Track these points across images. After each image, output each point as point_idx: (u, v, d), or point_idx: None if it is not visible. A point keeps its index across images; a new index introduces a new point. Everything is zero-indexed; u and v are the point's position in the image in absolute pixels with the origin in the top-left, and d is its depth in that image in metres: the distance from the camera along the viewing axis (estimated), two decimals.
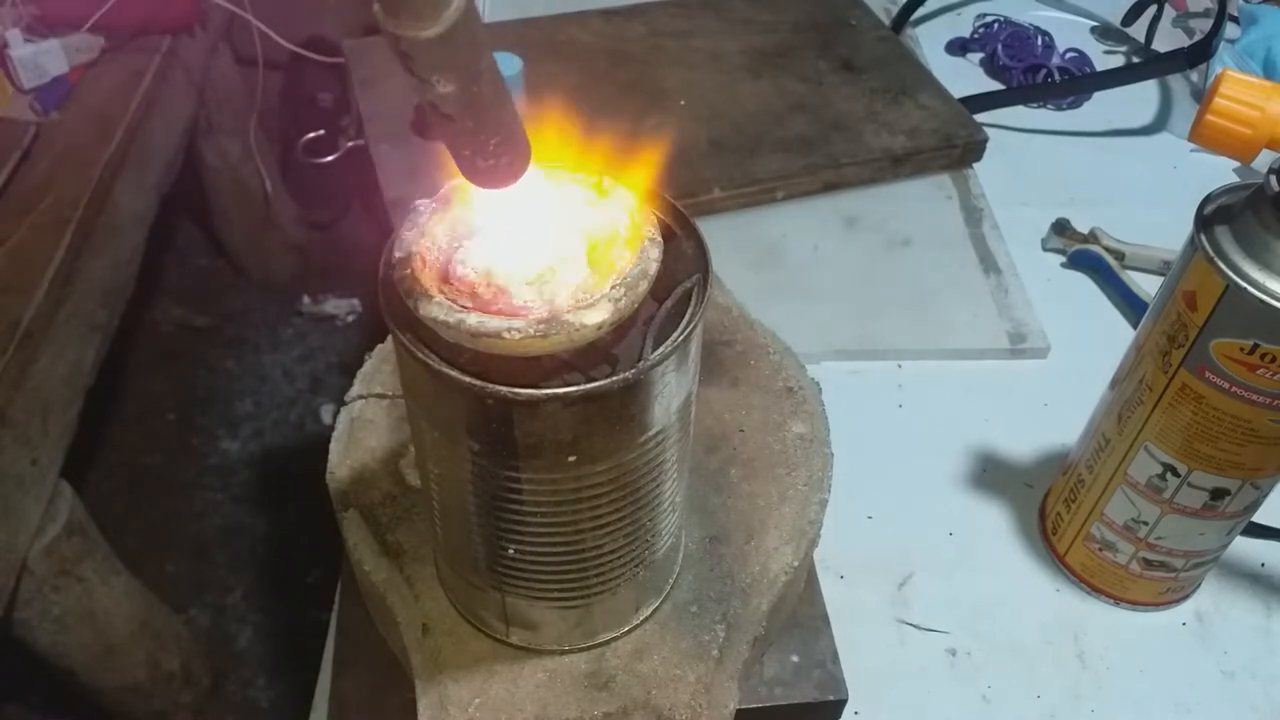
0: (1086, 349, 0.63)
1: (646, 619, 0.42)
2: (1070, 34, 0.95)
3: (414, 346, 0.30)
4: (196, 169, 1.57)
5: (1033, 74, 0.90)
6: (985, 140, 0.79)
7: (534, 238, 0.32)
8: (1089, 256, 0.72)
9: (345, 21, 1.44)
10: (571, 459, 0.32)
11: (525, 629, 0.40)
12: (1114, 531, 0.51)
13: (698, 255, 0.34)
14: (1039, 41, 0.93)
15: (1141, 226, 0.72)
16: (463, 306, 0.29)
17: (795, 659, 0.44)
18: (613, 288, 0.30)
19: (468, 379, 0.30)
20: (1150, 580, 0.52)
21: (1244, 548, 0.55)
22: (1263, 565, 0.56)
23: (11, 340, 0.85)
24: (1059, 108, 0.88)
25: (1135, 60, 0.95)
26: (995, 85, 0.90)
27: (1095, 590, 0.54)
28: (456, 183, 0.32)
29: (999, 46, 0.92)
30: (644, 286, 0.30)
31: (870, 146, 0.77)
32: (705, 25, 0.91)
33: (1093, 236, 0.73)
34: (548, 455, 0.32)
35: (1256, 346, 0.40)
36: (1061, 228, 0.74)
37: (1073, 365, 0.66)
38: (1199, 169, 0.81)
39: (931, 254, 0.73)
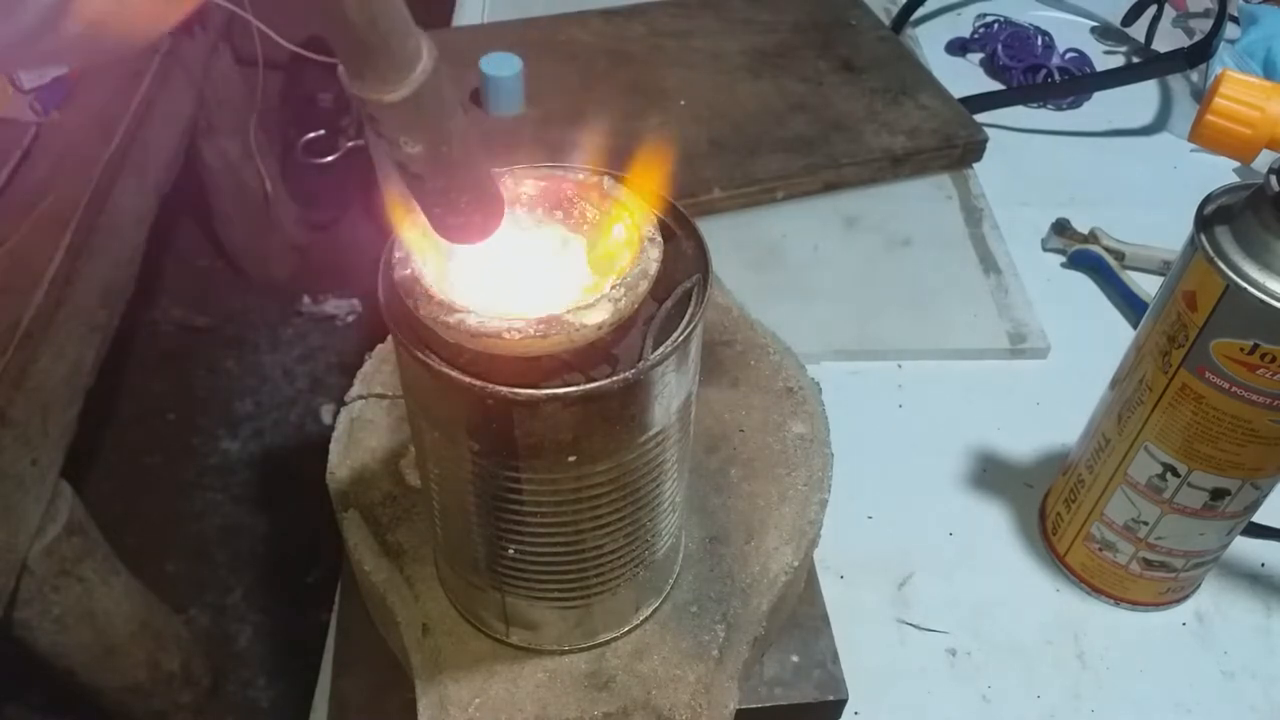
0: (1086, 349, 0.63)
1: (646, 619, 0.42)
2: (1070, 34, 0.95)
3: (414, 346, 0.30)
4: (196, 169, 1.57)
5: (1033, 74, 0.90)
6: (985, 140, 0.79)
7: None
8: (1089, 256, 0.72)
9: None
10: (571, 459, 0.32)
11: (525, 629, 0.40)
12: (1114, 531, 0.51)
13: (698, 255, 0.34)
14: (1039, 41, 0.93)
15: (1141, 226, 0.72)
16: (463, 307, 0.29)
17: (795, 659, 0.44)
18: (613, 288, 0.30)
19: (468, 379, 0.30)
20: (1150, 580, 0.52)
21: (1244, 548, 0.55)
22: (1263, 565, 0.56)
23: (11, 340, 0.85)
24: (1059, 108, 0.88)
25: (1135, 60, 0.95)
26: (995, 85, 0.90)
27: (1095, 590, 0.54)
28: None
29: (999, 46, 0.92)
30: (644, 286, 0.30)
31: (870, 146, 0.77)
32: (705, 25, 0.91)
33: (1093, 236, 0.73)
34: (548, 455, 0.32)
35: (1256, 346, 0.40)
36: (1061, 228, 0.74)
37: (1073, 365, 0.66)
38: (1199, 169, 0.81)
39: (931, 254, 0.73)
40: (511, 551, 0.36)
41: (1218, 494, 0.46)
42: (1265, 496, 0.48)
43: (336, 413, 0.49)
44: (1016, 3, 0.98)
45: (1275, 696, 0.51)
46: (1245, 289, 0.40)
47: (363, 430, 0.48)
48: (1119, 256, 0.71)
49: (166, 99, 1.24)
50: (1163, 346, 0.45)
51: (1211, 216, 0.42)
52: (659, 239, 0.32)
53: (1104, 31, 0.98)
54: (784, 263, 0.72)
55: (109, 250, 1.06)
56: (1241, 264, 0.40)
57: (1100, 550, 0.52)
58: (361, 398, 0.49)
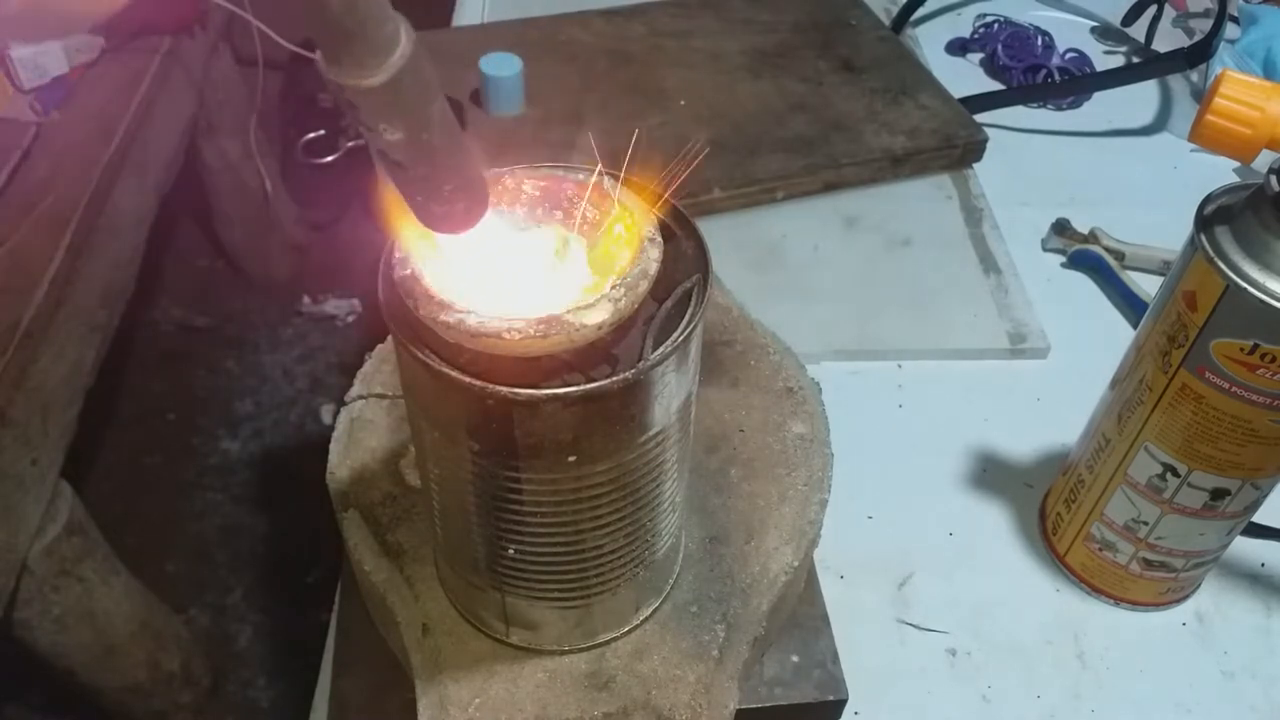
0: (1086, 349, 0.63)
1: (646, 619, 0.42)
2: (1070, 34, 0.95)
3: (414, 347, 0.30)
4: (196, 169, 1.57)
5: (1033, 74, 0.90)
6: (985, 140, 0.79)
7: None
8: (1089, 256, 0.72)
9: None
10: (571, 459, 0.32)
11: (525, 629, 0.40)
12: (1114, 531, 0.51)
13: (698, 255, 0.34)
14: (1039, 41, 0.93)
15: (1141, 226, 0.72)
16: (463, 307, 0.29)
17: (795, 659, 0.44)
18: (613, 288, 0.30)
19: (468, 379, 0.30)
20: (1150, 580, 0.52)
21: (1244, 548, 0.55)
22: (1263, 565, 0.56)
23: (11, 340, 0.85)
24: (1059, 108, 0.88)
25: (1135, 60, 0.95)
26: (995, 85, 0.90)
27: (1095, 590, 0.54)
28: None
29: (999, 46, 0.92)
30: (644, 286, 0.30)
31: (870, 146, 0.77)
32: (705, 25, 0.91)
33: (1093, 236, 0.73)
34: (548, 455, 0.32)
35: (1256, 346, 0.40)
36: (1061, 228, 0.74)
37: (1073, 365, 0.66)
38: (1199, 169, 0.81)
39: (931, 254, 0.73)
40: (511, 551, 0.36)
41: (1218, 494, 0.46)
42: (1265, 496, 0.48)
43: (336, 413, 0.49)
44: (1016, 3, 0.98)
45: (1275, 696, 0.51)
46: (1245, 289, 0.40)
47: (363, 430, 0.48)
48: (1119, 256, 0.71)
49: (166, 99, 1.24)
50: (1163, 346, 0.45)
51: (1211, 216, 0.42)
52: (659, 239, 0.32)
53: (1104, 31, 0.98)
54: (784, 263, 0.72)
55: (109, 250, 1.06)
56: (1241, 264, 0.40)
57: (1100, 550, 0.52)
58: (361, 398, 0.49)
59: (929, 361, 0.66)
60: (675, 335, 0.32)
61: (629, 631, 0.42)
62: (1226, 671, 0.52)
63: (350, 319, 1.82)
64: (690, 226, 0.35)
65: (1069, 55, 0.92)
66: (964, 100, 0.83)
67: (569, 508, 0.34)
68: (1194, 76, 0.90)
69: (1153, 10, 0.94)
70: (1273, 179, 0.39)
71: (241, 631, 1.39)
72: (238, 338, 1.78)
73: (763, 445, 0.48)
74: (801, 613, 0.46)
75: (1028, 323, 0.68)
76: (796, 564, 0.43)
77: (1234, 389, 0.42)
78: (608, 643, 0.41)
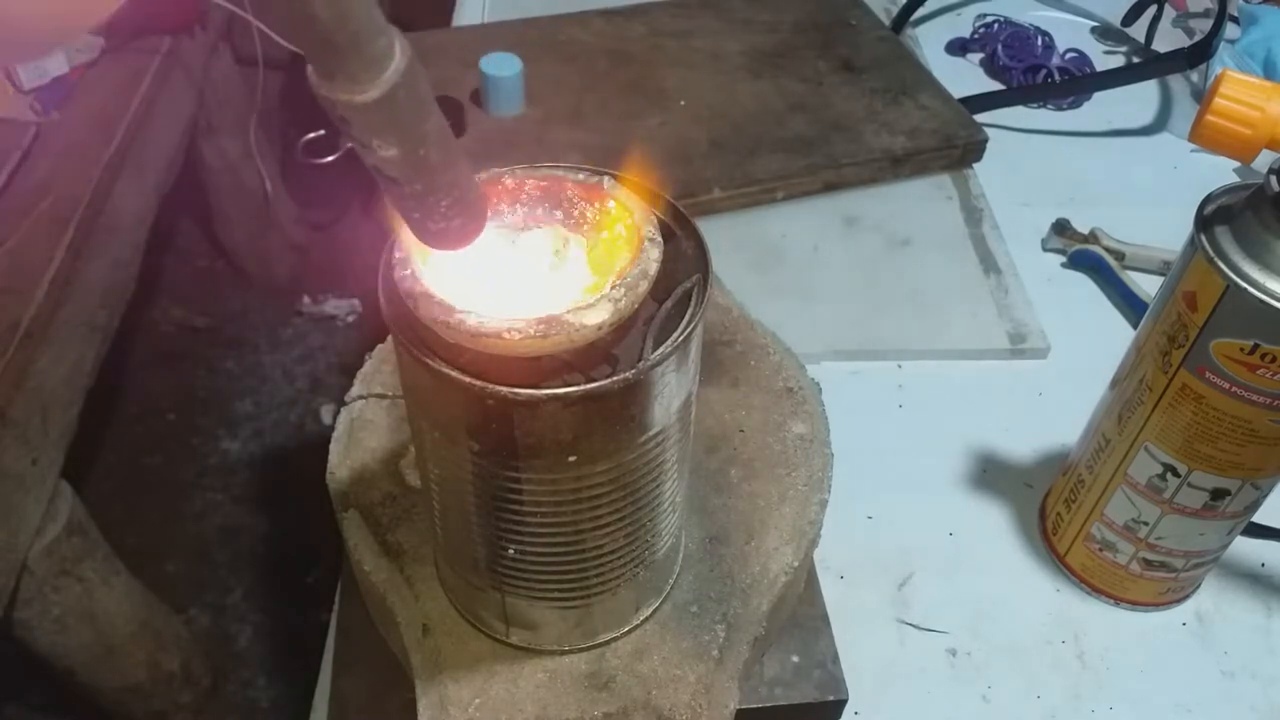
0: (1086, 349, 0.63)
1: (646, 619, 0.42)
2: (1070, 34, 0.95)
3: (414, 347, 0.30)
4: (196, 169, 1.57)
5: (1033, 74, 0.90)
6: (985, 140, 0.79)
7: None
8: (1089, 256, 0.72)
9: None
10: (571, 459, 0.32)
11: (525, 629, 0.40)
12: (1114, 532, 0.51)
13: (698, 255, 0.34)
14: (1039, 41, 0.93)
15: (1141, 226, 0.72)
16: (463, 307, 0.29)
17: (795, 659, 0.44)
18: (613, 288, 0.30)
19: (468, 379, 0.30)
20: (1150, 580, 0.52)
21: (1244, 548, 0.55)
22: (1263, 565, 0.56)
23: (11, 340, 0.85)
24: (1059, 108, 0.88)
25: (1135, 60, 0.95)
26: (995, 85, 0.90)
27: (1095, 590, 0.54)
28: None
29: (999, 47, 0.92)
30: (644, 286, 0.30)
31: (870, 146, 0.77)
32: (705, 25, 0.91)
33: (1093, 236, 0.73)
34: (548, 455, 0.32)
35: (1257, 346, 0.40)
36: (1061, 228, 0.74)
37: (1073, 365, 0.66)
38: (1199, 169, 0.81)
39: (931, 254, 0.73)
40: (511, 551, 0.36)
41: (1218, 494, 0.46)
42: (1265, 496, 0.48)
43: (336, 413, 0.49)
44: (1016, 3, 0.98)
45: (1275, 696, 0.51)
46: (1245, 289, 0.40)
47: (363, 430, 0.48)
48: (1119, 256, 0.71)
49: (166, 99, 1.24)
50: (1163, 346, 0.45)
51: (1211, 216, 0.42)
52: (659, 239, 0.32)
53: (1104, 31, 0.98)
54: (784, 263, 0.72)
55: (109, 250, 1.06)
56: (1241, 264, 0.40)
57: (1100, 550, 0.52)
58: (361, 398, 0.49)
59: (929, 361, 0.66)
60: (675, 335, 0.32)
61: (629, 631, 0.42)
62: (1226, 671, 0.52)
63: (350, 319, 1.81)
64: (690, 226, 0.35)
65: (1069, 55, 0.92)
66: (964, 100, 0.83)
67: (569, 508, 0.34)
68: (1194, 76, 0.90)
69: (1153, 10, 0.94)
70: (1273, 179, 0.39)
71: (241, 631, 1.39)
72: (238, 338, 1.78)
73: (763, 445, 0.48)
74: (801, 613, 0.46)
75: (1028, 323, 0.68)
76: (796, 564, 0.43)
77: (1234, 389, 0.42)
78: (608, 643, 0.41)
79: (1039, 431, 0.61)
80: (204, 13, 1.35)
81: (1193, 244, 0.42)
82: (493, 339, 0.29)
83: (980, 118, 0.82)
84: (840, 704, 0.44)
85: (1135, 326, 0.49)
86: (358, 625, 0.46)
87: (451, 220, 0.27)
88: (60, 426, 0.93)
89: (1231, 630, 0.53)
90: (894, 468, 0.59)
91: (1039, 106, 0.88)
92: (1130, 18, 0.96)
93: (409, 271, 0.30)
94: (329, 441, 0.48)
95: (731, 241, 0.72)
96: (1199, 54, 0.80)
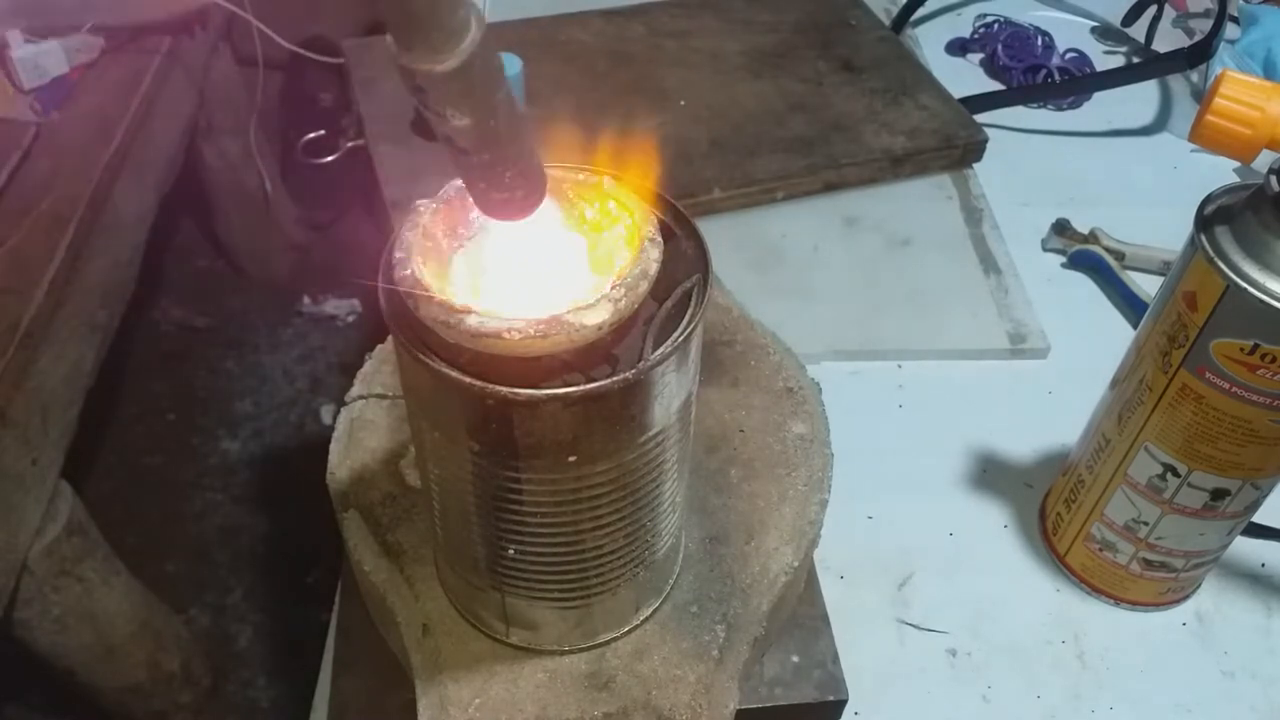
0: (1086, 349, 0.63)
1: (646, 619, 0.42)
2: (1070, 34, 0.95)
3: (414, 347, 0.30)
4: (196, 169, 1.57)
5: (1033, 74, 0.90)
6: (985, 140, 0.79)
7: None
8: (1089, 256, 0.72)
9: (345, 21, 1.44)
10: (571, 459, 0.32)
11: (525, 629, 0.40)
12: (1114, 532, 0.51)
13: (698, 255, 0.34)
14: (1039, 42, 0.93)
15: (1141, 226, 0.72)
16: (463, 307, 0.29)
17: (795, 659, 0.44)
18: (613, 288, 0.30)
19: (468, 379, 0.30)
20: (1150, 580, 0.52)
21: (1244, 548, 0.55)
22: (1263, 565, 0.56)
23: (11, 340, 0.85)
24: (1059, 108, 0.88)
25: (1135, 60, 0.95)
26: (995, 85, 0.90)
27: (1095, 590, 0.54)
28: (456, 184, 0.32)
29: (999, 47, 0.92)
30: (644, 286, 0.30)
31: (870, 146, 0.77)
32: (705, 25, 0.91)
33: (1093, 236, 0.73)
34: (548, 455, 0.32)
35: (1257, 347, 0.40)
36: (1061, 228, 0.74)
37: (1073, 365, 0.66)
38: (1199, 169, 0.81)
39: (931, 254, 0.73)
40: (511, 551, 0.36)
41: (1218, 494, 0.46)
42: (1265, 496, 0.48)
43: (336, 413, 0.49)
44: (1016, 3, 0.98)
45: (1275, 696, 0.51)
46: (1245, 289, 0.40)
47: (363, 430, 0.48)
48: (1119, 256, 0.71)
49: (166, 99, 1.24)
50: (1163, 346, 0.45)
51: (1211, 216, 0.42)
52: (659, 239, 0.32)
53: (1104, 31, 0.98)
54: (784, 263, 0.72)
55: (109, 250, 1.06)
56: (1241, 264, 0.40)
57: (1100, 550, 0.52)
58: (361, 398, 0.49)
59: (929, 361, 0.66)
60: (675, 335, 0.32)
61: (629, 632, 0.42)
62: (1226, 671, 0.52)
63: (350, 319, 1.81)
64: (690, 226, 0.35)
65: (1069, 55, 0.92)
66: (964, 100, 0.83)
67: (569, 508, 0.34)
68: (1194, 76, 0.90)
69: (1153, 10, 0.94)
70: (1273, 179, 0.39)
71: (241, 631, 1.39)
72: (238, 338, 1.77)
73: (763, 445, 0.48)
74: (801, 613, 0.46)
75: (1028, 323, 0.68)
76: (796, 564, 0.43)
77: (1234, 389, 0.42)
78: (608, 643, 0.41)
79: (1039, 431, 0.61)
80: (204, 13, 1.35)
81: (1193, 244, 0.42)
82: (493, 339, 0.29)
83: (980, 118, 0.82)
84: (840, 704, 0.44)
85: (1135, 326, 0.49)
86: (358, 625, 0.46)
87: (515, 190, 0.28)
88: (60, 426, 0.93)
89: (1231, 630, 0.53)
90: (894, 468, 0.59)
91: (1039, 106, 0.88)
92: (1130, 18, 0.96)
93: (409, 272, 0.30)
94: (329, 441, 0.48)
95: (731, 241, 0.72)
96: (1199, 54, 0.80)
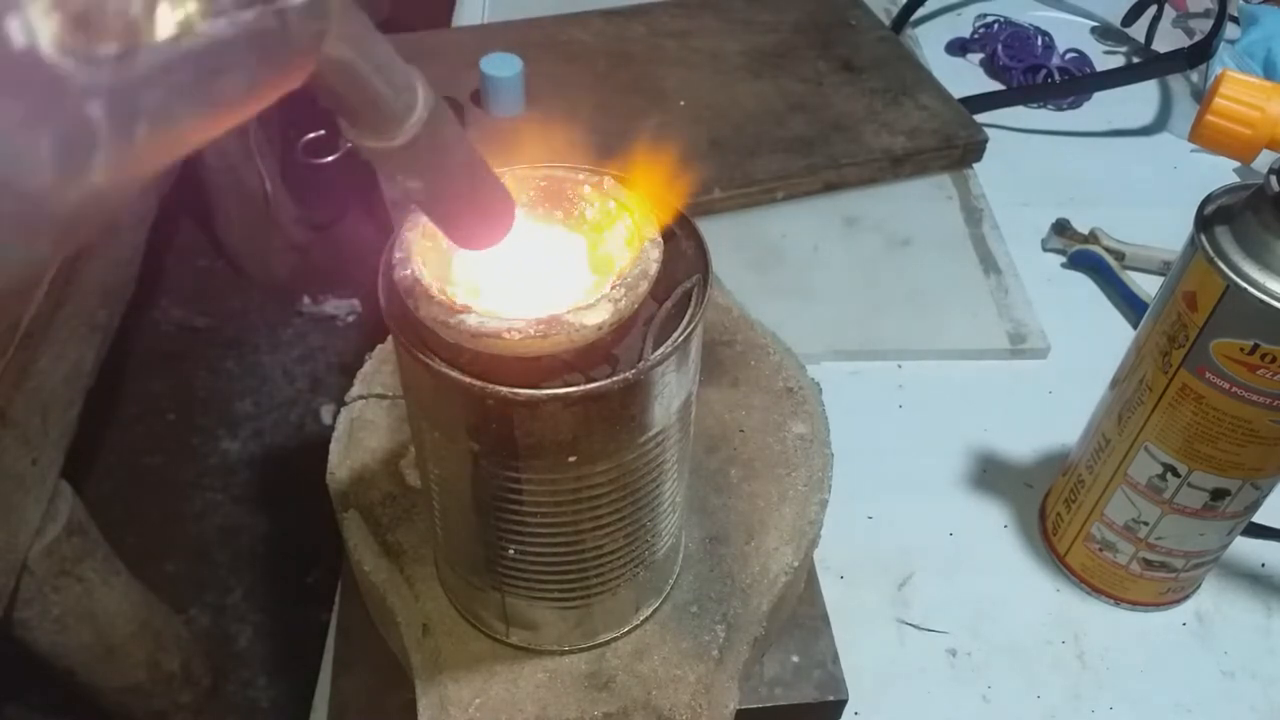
0: (1086, 349, 0.63)
1: (646, 619, 0.42)
2: (1070, 34, 0.95)
3: (414, 347, 0.30)
4: (196, 169, 1.57)
5: (1033, 74, 0.90)
6: (985, 140, 0.79)
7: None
8: (1089, 256, 0.72)
9: None
10: (571, 459, 0.32)
11: (525, 629, 0.40)
12: (1114, 532, 0.51)
13: (698, 255, 0.34)
14: (1039, 42, 0.93)
15: (1141, 226, 0.72)
16: (463, 307, 0.29)
17: (795, 659, 0.44)
18: (613, 288, 0.30)
19: (468, 379, 0.30)
20: (1150, 580, 0.52)
21: (1244, 548, 0.55)
22: (1263, 565, 0.56)
23: (12, 340, 0.85)
24: (1059, 108, 0.88)
25: (1135, 60, 0.95)
26: (995, 85, 0.90)
27: (1095, 590, 0.54)
28: None
29: (999, 47, 0.92)
30: (644, 286, 0.30)
31: (870, 147, 0.77)
32: (705, 25, 0.91)
33: (1093, 236, 0.73)
34: (548, 455, 0.32)
35: (1257, 347, 0.40)
36: (1061, 228, 0.74)
37: (1073, 365, 0.66)
38: (1199, 169, 0.81)
39: (931, 254, 0.73)
40: (511, 552, 0.36)
41: (1218, 494, 0.46)
42: (1265, 496, 0.48)
43: (336, 413, 0.49)
44: (1016, 3, 0.98)
45: (1275, 696, 0.51)
46: (1245, 289, 0.40)
47: (363, 430, 0.48)
48: (1119, 256, 0.71)
49: None
50: (1163, 346, 0.45)
51: (1211, 216, 0.42)
52: (659, 239, 0.32)
53: (1104, 31, 0.98)
54: (784, 263, 0.72)
55: (109, 250, 1.06)
56: (1241, 264, 0.40)
57: (1100, 550, 0.52)
58: (361, 398, 0.49)
59: (929, 361, 0.66)
60: (675, 335, 0.32)
61: (629, 631, 0.42)
62: (1226, 671, 0.52)
63: (350, 319, 1.81)
64: (690, 226, 0.35)
65: (1069, 55, 0.92)
66: (964, 100, 0.83)
67: (569, 508, 0.34)
68: (1194, 76, 0.90)
69: (1153, 10, 0.94)
70: (1273, 179, 0.39)
71: (241, 631, 1.39)
72: (238, 338, 1.77)
73: (763, 445, 0.48)
74: (801, 613, 0.46)
75: (1028, 323, 0.68)
76: (796, 564, 0.43)
77: (1234, 389, 0.42)
78: (608, 643, 0.41)
79: (1039, 431, 0.61)
80: None
81: (1193, 244, 0.42)
82: (493, 339, 0.29)
83: (980, 118, 0.82)
84: (840, 704, 0.44)
85: (1135, 326, 0.49)
86: (358, 625, 0.46)
87: (475, 229, 0.29)
88: (60, 426, 0.93)
89: (1231, 630, 0.53)
90: (894, 468, 0.59)
91: (1039, 106, 0.88)
92: (1130, 18, 0.96)
93: (409, 271, 0.30)
94: (329, 441, 0.48)
95: (731, 241, 0.72)
96: (1199, 54, 0.80)
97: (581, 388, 0.30)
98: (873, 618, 0.53)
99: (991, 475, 0.60)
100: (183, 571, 1.44)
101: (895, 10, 0.96)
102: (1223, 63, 0.84)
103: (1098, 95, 0.89)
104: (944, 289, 0.70)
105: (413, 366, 0.31)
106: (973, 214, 0.76)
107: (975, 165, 0.80)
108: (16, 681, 1.19)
